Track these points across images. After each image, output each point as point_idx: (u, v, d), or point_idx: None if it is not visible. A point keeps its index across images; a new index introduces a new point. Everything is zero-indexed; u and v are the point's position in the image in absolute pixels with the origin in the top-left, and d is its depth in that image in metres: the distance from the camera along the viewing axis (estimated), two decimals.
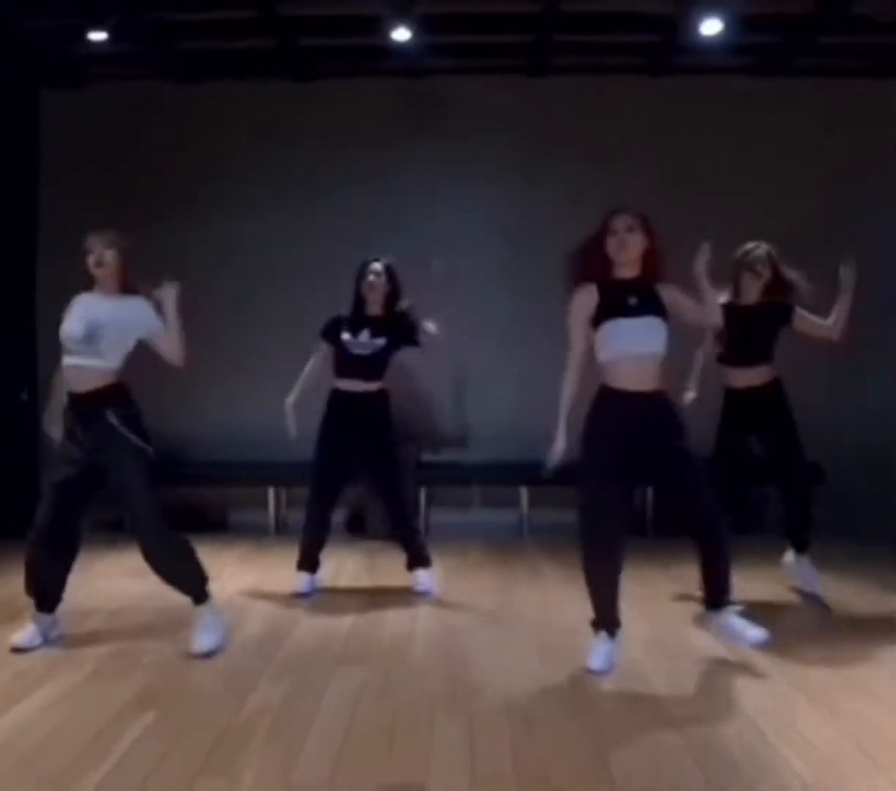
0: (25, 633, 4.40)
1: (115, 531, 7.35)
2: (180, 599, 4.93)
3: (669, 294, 4.20)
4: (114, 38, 6.59)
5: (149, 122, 8.04)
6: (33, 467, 7.50)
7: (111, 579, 5.87)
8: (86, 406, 4.35)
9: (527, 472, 7.67)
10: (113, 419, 4.34)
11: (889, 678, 4.05)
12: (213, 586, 4.70)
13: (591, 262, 4.23)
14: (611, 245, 4.16)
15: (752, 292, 5.35)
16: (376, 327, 5.51)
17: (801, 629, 4.82)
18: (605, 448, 4.13)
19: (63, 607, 4.55)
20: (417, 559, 5.69)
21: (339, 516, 7.28)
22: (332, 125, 8.00)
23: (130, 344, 4.45)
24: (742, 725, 3.52)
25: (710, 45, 6.81)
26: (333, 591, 5.65)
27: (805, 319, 5.34)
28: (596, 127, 7.95)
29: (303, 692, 3.85)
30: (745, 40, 7.07)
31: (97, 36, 6.38)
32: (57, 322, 4.51)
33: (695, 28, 6.47)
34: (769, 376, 5.46)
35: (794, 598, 5.49)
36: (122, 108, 8.01)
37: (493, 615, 5.13)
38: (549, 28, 7.05)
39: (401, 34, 6.74)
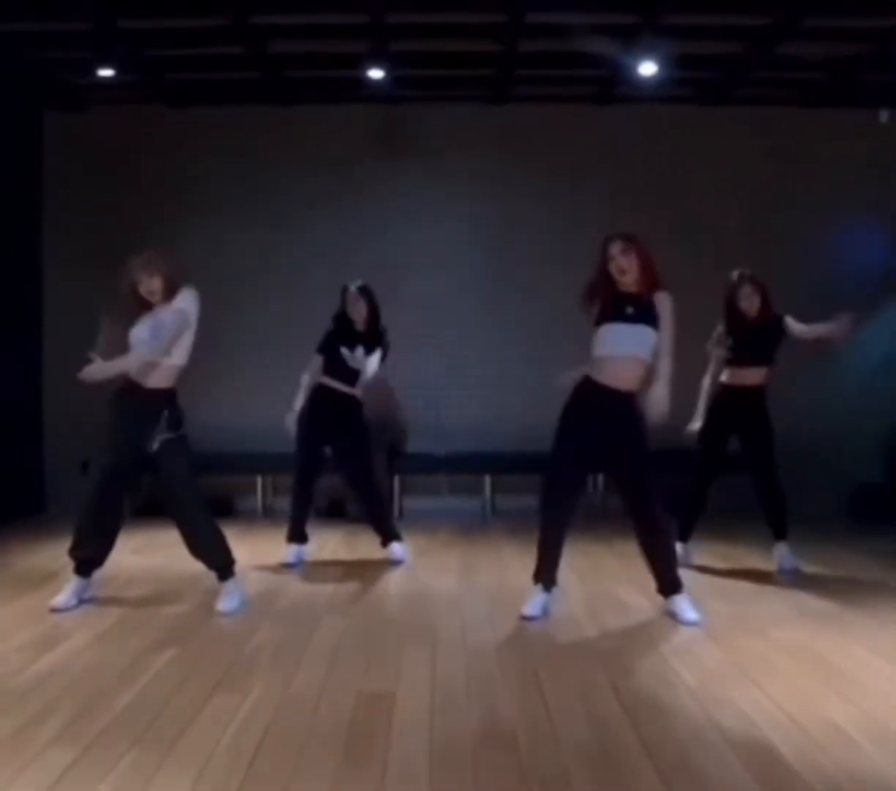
0: (64, 595, 5.14)
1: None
2: (184, 571, 5.77)
3: (662, 305, 4.89)
4: (117, 71, 7.37)
5: (143, 144, 8.83)
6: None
7: (120, 555, 6.61)
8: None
9: (490, 463, 8.58)
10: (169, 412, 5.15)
11: (780, 624, 4.88)
12: None
13: (602, 286, 4.93)
14: (613, 270, 4.90)
15: (753, 305, 6.10)
16: (367, 345, 6.22)
17: (721, 589, 5.65)
18: (576, 433, 4.90)
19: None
20: (389, 535, 6.52)
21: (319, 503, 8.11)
22: (310, 148, 8.82)
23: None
24: (651, 655, 4.36)
25: (652, 80, 7.63)
26: (318, 563, 6.44)
27: (793, 325, 6.10)
28: (552, 150, 8.80)
29: (296, 633, 4.68)
30: (682, 75, 7.91)
31: (105, 72, 7.12)
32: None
33: (635, 68, 7.30)
34: (760, 380, 6.16)
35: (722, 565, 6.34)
36: (119, 131, 8.80)
37: (455, 580, 5.97)
38: (509, 64, 7.88)
39: (375, 73, 7.55)
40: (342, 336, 6.29)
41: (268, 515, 8.61)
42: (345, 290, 6.36)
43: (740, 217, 8.76)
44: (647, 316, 4.86)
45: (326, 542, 7.16)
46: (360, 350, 6.19)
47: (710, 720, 3.53)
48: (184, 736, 3.37)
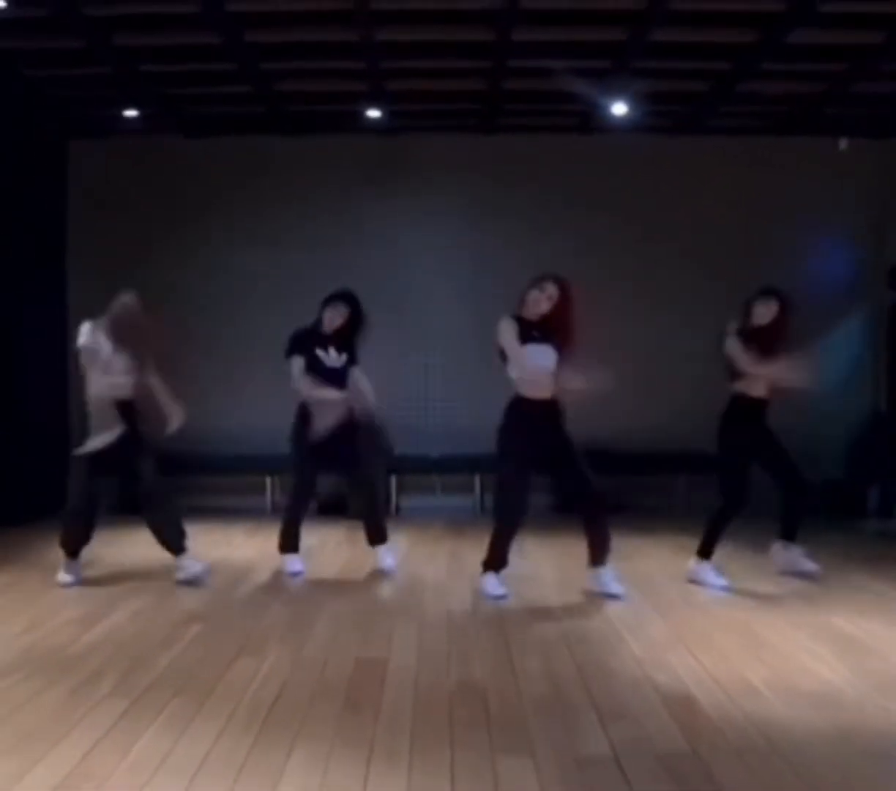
0: (68, 575, 6.14)
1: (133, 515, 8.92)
2: (202, 558, 6.54)
3: None
4: (138, 108, 8.13)
5: (159, 170, 9.59)
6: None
7: (148, 548, 7.35)
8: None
9: (480, 464, 9.31)
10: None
11: (724, 604, 5.64)
12: (227, 551, 6.71)
13: None
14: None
15: (766, 316, 6.18)
16: (337, 347, 6.40)
17: (676, 577, 6.39)
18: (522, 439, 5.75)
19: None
20: (379, 537, 6.66)
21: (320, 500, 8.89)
22: (311, 174, 9.57)
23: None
24: (606, 629, 5.13)
25: (624, 117, 8.39)
26: (322, 556, 7.18)
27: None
28: (538, 175, 9.54)
29: (303, 612, 5.46)
30: (655, 108, 8.65)
31: (130, 112, 7.88)
32: None
33: (608, 107, 8.06)
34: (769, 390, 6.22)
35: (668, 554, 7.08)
36: (138, 158, 9.55)
37: (444, 568, 6.74)
38: (495, 101, 8.64)
39: (373, 112, 8.32)
40: (310, 339, 6.39)
41: (276, 513, 9.32)
42: (330, 299, 6.48)
43: (714, 236, 9.52)
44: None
45: (329, 536, 7.91)
46: (332, 351, 6.38)
47: (647, 679, 4.29)
48: (214, 691, 4.12)
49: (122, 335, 6.06)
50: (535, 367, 5.73)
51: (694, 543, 7.36)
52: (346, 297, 6.48)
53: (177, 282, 9.56)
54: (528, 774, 3.31)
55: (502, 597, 5.78)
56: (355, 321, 6.47)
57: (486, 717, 3.87)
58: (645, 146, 9.52)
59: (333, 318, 6.42)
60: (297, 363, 6.32)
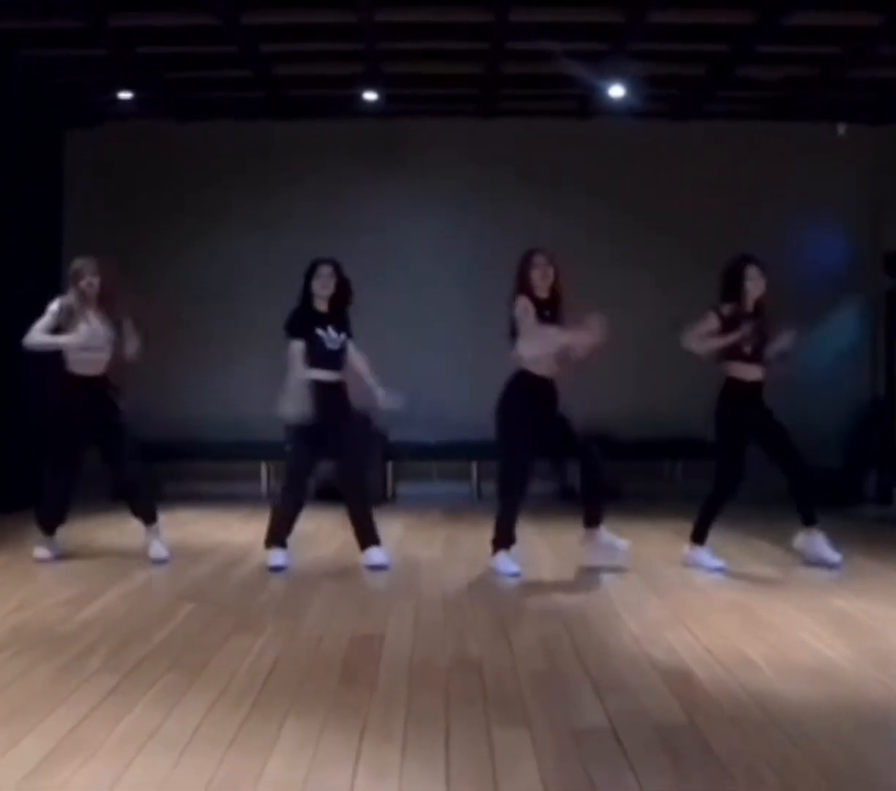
0: (46, 550, 6.21)
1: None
2: (202, 543, 6.61)
3: None
4: (134, 92, 8.08)
5: (154, 156, 9.56)
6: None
7: (138, 535, 7.35)
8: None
9: (478, 450, 9.27)
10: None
11: (722, 585, 5.61)
12: (225, 536, 6.64)
13: None
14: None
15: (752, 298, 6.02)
16: (335, 326, 6.07)
17: (673, 560, 6.35)
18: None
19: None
20: (368, 539, 6.15)
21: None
22: (309, 159, 9.54)
23: None
24: (603, 606, 5.11)
25: (624, 99, 8.36)
26: (318, 540, 7.13)
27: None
28: (535, 160, 9.50)
29: (300, 591, 5.44)
30: (652, 93, 8.62)
31: (124, 95, 7.84)
32: None
33: (605, 90, 8.02)
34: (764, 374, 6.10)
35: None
36: (133, 144, 9.52)
37: (440, 551, 6.71)
38: (493, 85, 8.60)
39: (370, 95, 8.27)
40: (310, 319, 6.07)
41: (271, 500, 9.29)
42: (314, 266, 6.12)
43: (712, 221, 9.47)
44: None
45: (324, 522, 7.84)
46: (331, 330, 6.06)
47: (644, 655, 4.25)
48: (208, 665, 4.08)
49: (86, 300, 6.09)
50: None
51: (688, 527, 7.39)
52: (331, 262, 6.15)
53: (174, 268, 9.53)
54: (525, 746, 3.26)
55: (516, 574, 5.79)
56: (344, 289, 6.16)
57: (482, 692, 3.83)
58: (643, 131, 9.49)
59: (326, 285, 6.05)
60: (298, 346, 6.00)
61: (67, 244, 9.36)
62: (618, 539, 5.95)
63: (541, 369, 5.83)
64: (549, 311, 5.85)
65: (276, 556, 6.00)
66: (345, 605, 5.13)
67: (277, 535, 6.07)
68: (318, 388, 6.01)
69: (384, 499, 9.03)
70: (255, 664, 4.11)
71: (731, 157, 9.58)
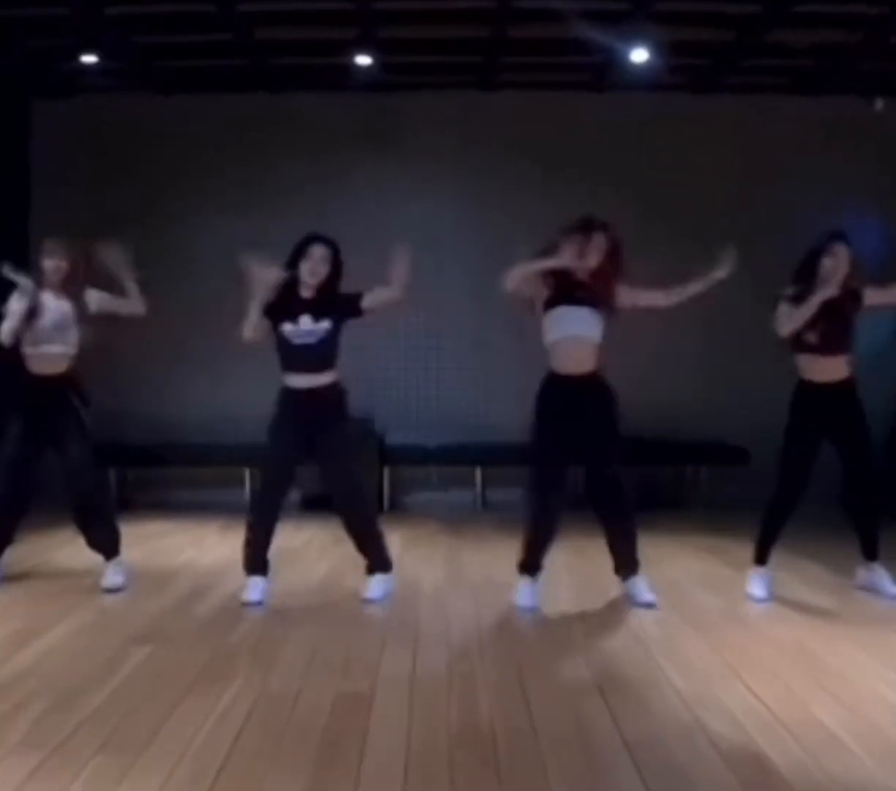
0: None
1: None
2: (166, 565, 5.85)
3: None
4: (103, 58, 7.26)
5: (130, 131, 8.70)
6: None
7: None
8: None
9: (482, 455, 8.49)
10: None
11: (771, 619, 4.81)
12: (196, 554, 5.78)
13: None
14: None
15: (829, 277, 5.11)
16: (315, 310, 5.05)
17: (709, 585, 5.56)
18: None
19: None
20: (378, 564, 5.28)
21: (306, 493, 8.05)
22: (299, 135, 8.68)
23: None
24: (637, 651, 4.29)
25: (644, 67, 7.55)
26: (304, 559, 6.32)
27: (874, 293, 5.24)
28: (543, 138, 8.67)
29: (276, 629, 4.61)
30: (673, 63, 7.80)
31: (89, 58, 7.02)
32: None
33: (626, 55, 7.20)
34: (848, 371, 5.20)
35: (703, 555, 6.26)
36: (107, 118, 8.66)
37: (441, 573, 5.90)
38: (497, 51, 7.77)
39: (363, 59, 7.45)
40: (285, 305, 5.08)
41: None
42: (305, 243, 5.16)
43: (733, 205, 8.64)
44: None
45: (314, 536, 7.07)
46: (306, 320, 5.05)
47: (696, 721, 3.46)
48: (154, 739, 3.27)
49: (50, 285, 5.37)
50: (565, 336, 4.92)
51: (720, 544, 6.63)
52: (328, 243, 5.18)
53: (150, 256, 8.64)
54: None
55: (529, 609, 5.00)
56: (337, 276, 5.19)
57: (496, 771, 3.06)
58: (660, 105, 8.64)
59: (315, 272, 5.08)
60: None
61: (34, 225, 8.55)
62: (646, 591, 5.03)
63: (566, 366, 4.95)
64: (584, 292, 4.93)
65: (252, 589, 5.08)
66: (328, 650, 4.30)
67: (252, 561, 5.16)
68: (292, 395, 5.09)
69: (380, 509, 8.21)
70: (214, 735, 3.31)
71: (756, 133, 8.74)
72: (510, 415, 8.44)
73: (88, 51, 6.99)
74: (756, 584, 5.23)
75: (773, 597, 5.19)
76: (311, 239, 5.14)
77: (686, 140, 8.74)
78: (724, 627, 4.69)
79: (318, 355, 5.03)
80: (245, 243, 8.58)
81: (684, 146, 8.73)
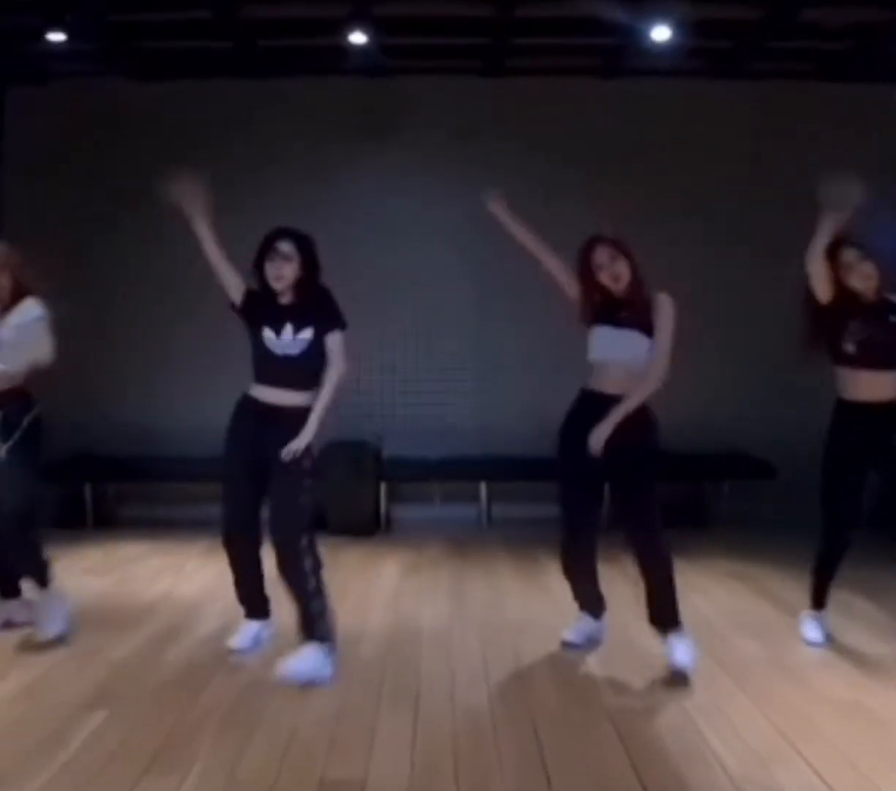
0: None
1: (77, 529, 7.51)
2: (138, 597, 5.19)
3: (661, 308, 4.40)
4: (73, 37, 6.65)
5: (109, 119, 8.07)
6: None
7: (70, 576, 5.95)
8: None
9: (487, 468, 7.88)
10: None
11: (823, 672, 4.20)
12: (172, 584, 4.95)
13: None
14: (605, 280, 4.33)
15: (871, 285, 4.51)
16: (295, 318, 4.30)
17: (746, 624, 4.96)
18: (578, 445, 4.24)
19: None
20: (307, 627, 4.18)
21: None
22: (289, 123, 8.05)
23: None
24: (675, 716, 3.67)
25: (661, 50, 6.94)
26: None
27: None
28: (551, 127, 8.05)
29: (252, 690, 3.95)
30: (695, 44, 7.18)
31: (56, 36, 6.42)
32: None
33: (646, 34, 6.58)
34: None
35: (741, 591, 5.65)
36: (84, 105, 8.04)
37: (445, 610, 5.26)
38: (505, 31, 7.15)
39: (358, 37, 6.82)
40: (260, 309, 4.35)
41: None
42: (268, 240, 4.40)
43: (753, 199, 8.04)
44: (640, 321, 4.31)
45: None
46: (288, 330, 4.28)
47: None
48: None
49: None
50: (604, 358, 4.32)
51: (749, 570, 6.03)
52: (293, 237, 4.36)
53: (130, 257, 8.12)
54: None
55: (572, 645, 4.48)
56: (311, 275, 4.34)
57: None
58: (678, 92, 8.03)
59: (279, 275, 4.28)
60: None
61: (7, 217, 7.93)
62: (683, 651, 4.23)
63: (602, 384, 4.31)
64: (628, 312, 4.30)
65: (243, 635, 4.48)
66: (311, 719, 3.65)
67: (246, 603, 4.53)
68: (255, 408, 4.32)
69: (376, 527, 7.62)
70: None
71: (779, 122, 8.11)
72: (517, 425, 7.90)
73: (54, 29, 6.35)
74: (810, 626, 4.60)
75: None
76: (273, 234, 4.39)
77: (704, 129, 8.11)
78: (769, 680, 4.07)
79: (301, 370, 4.29)
80: (231, 241, 8.07)
81: (702, 136, 8.11)
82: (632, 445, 4.19)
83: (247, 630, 4.51)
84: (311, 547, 4.15)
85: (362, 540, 7.21)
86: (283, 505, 4.18)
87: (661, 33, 6.50)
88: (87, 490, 7.82)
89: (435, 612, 5.22)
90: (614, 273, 4.30)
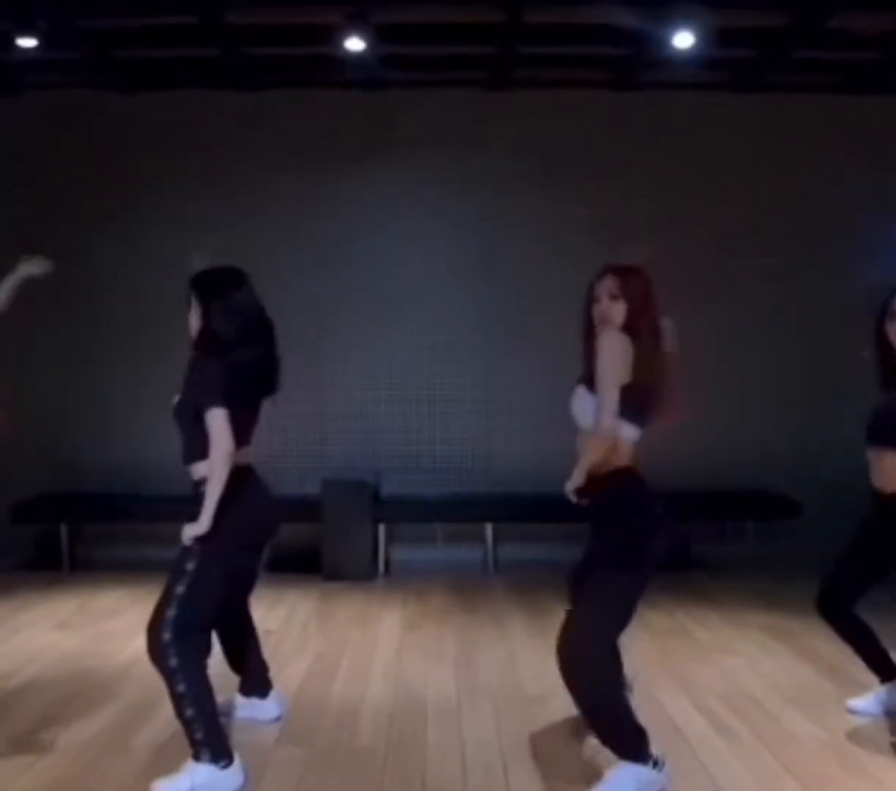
0: None
1: (52, 573, 6.98)
2: (113, 656, 4.88)
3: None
4: (46, 44, 6.17)
5: (87, 133, 7.66)
6: None
7: (39, 632, 5.46)
8: None
9: (492, 507, 7.36)
10: None
11: (883, 756, 3.65)
12: None
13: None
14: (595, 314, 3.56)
15: None
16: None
17: (791, 693, 4.41)
18: None
19: None
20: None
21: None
22: (279, 138, 7.63)
23: None
24: None
25: (681, 60, 6.50)
26: (280, 649, 5.12)
27: None
28: (558, 142, 7.64)
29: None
30: (718, 54, 6.73)
31: (26, 42, 5.95)
32: None
33: (667, 41, 6.11)
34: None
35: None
36: (60, 119, 7.62)
37: (451, 677, 4.70)
38: (511, 40, 6.68)
39: (354, 44, 6.34)
40: None
41: None
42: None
43: (774, 218, 7.65)
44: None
45: (293, 611, 5.94)
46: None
47: None
48: None
49: None
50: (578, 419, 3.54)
51: (783, 623, 5.50)
52: (190, 282, 3.67)
53: (111, 279, 7.64)
54: None
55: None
56: (207, 318, 3.59)
57: None
58: (691, 106, 7.62)
59: (189, 323, 3.68)
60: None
61: None
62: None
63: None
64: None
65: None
66: None
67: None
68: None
69: (375, 571, 7.08)
70: None
71: (802, 138, 7.67)
72: (523, 461, 7.43)
73: (25, 34, 5.87)
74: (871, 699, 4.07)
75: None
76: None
77: (723, 145, 7.71)
78: (829, 771, 3.52)
79: (184, 438, 3.63)
80: (218, 261, 7.57)
81: (721, 152, 7.71)
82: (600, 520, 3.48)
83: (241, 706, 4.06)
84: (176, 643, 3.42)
85: (360, 585, 6.73)
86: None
87: (683, 40, 6.00)
88: (63, 530, 7.29)
89: (441, 679, 4.66)
90: (602, 313, 3.50)
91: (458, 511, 7.34)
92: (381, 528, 7.23)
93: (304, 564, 6.96)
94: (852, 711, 4.11)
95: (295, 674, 4.68)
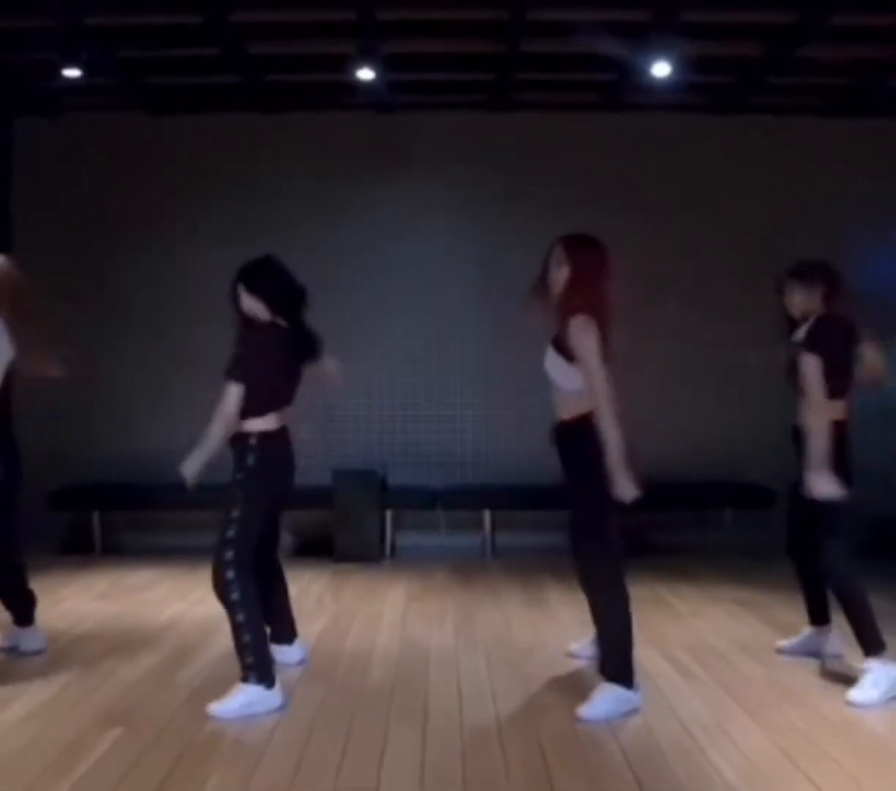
0: None
1: (85, 556, 7.55)
2: (149, 621, 5.29)
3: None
4: (87, 73, 6.78)
5: (119, 153, 8.23)
6: None
7: (82, 601, 6.03)
8: None
9: (491, 496, 7.94)
10: None
11: (822, 693, 4.23)
12: (182, 609, 5.27)
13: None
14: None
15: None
16: None
17: (748, 646, 5.00)
18: None
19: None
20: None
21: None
22: (298, 158, 8.19)
23: None
24: (679, 736, 3.71)
25: (661, 86, 7.09)
26: (297, 615, 5.71)
27: None
28: (556, 161, 8.18)
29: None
30: (698, 80, 7.32)
31: (71, 73, 6.56)
32: None
33: (646, 69, 6.72)
34: None
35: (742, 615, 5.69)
36: (95, 139, 8.20)
37: (451, 634, 5.30)
38: (509, 67, 7.29)
39: (366, 73, 6.97)
40: None
41: None
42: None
43: (757, 234, 8.14)
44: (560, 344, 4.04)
45: (309, 586, 6.52)
46: None
47: None
48: None
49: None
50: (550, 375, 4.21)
51: (755, 597, 6.07)
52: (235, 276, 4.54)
53: (140, 288, 8.24)
54: None
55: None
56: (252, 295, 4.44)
57: None
58: (678, 127, 8.20)
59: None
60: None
61: (16, 250, 8.02)
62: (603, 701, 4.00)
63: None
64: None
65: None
66: (322, 734, 3.73)
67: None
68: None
69: (382, 554, 7.67)
70: None
71: (782, 158, 8.24)
72: (520, 454, 7.97)
73: (70, 65, 6.49)
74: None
75: (822, 664, 4.63)
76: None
77: (708, 164, 8.28)
78: (773, 703, 4.09)
79: None
80: (232, 272, 8.16)
81: (706, 171, 8.28)
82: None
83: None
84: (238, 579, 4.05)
85: (369, 567, 7.27)
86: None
87: (660, 69, 6.63)
88: (95, 518, 7.87)
89: (442, 635, 5.27)
90: (552, 278, 4.00)
91: (459, 500, 7.90)
92: (388, 515, 7.81)
93: (317, 548, 7.57)
94: (779, 650, 4.75)
95: (311, 632, 5.23)
